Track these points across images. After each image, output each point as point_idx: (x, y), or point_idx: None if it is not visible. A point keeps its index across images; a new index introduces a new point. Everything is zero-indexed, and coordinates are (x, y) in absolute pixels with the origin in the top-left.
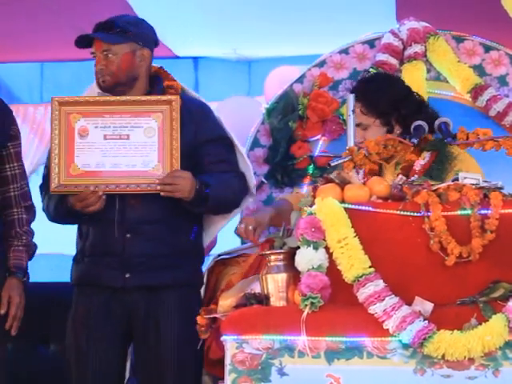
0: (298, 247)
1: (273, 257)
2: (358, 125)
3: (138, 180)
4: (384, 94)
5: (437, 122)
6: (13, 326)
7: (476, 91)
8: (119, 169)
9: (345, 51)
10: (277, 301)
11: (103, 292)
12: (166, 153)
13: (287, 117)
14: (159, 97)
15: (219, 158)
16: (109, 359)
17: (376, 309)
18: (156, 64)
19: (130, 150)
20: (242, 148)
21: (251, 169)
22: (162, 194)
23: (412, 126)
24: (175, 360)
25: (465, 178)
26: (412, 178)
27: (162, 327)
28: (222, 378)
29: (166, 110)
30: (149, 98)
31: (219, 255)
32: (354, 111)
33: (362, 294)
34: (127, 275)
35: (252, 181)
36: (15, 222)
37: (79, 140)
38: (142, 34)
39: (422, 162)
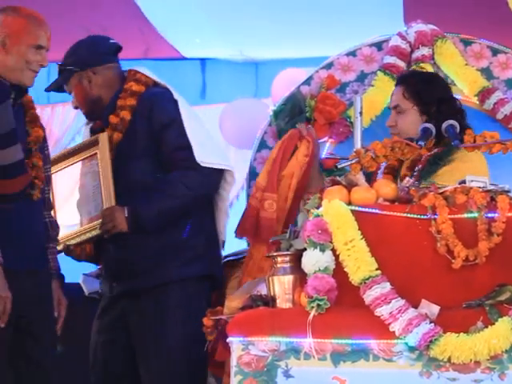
0: (305, 249)
1: (279, 259)
2: (394, 107)
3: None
4: (432, 86)
5: (444, 125)
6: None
7: (483, 94)
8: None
9: (352, 53)
10: (283, 303)
11: (104, 299)
12: (104, 193)
13: (294, 119)
14: (89, 139)
15: (175, 146)
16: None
17: (382, 311)
18: (163, 65)
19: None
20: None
21: (217, 150)
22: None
23: (419, 129)
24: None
25: (472, 181)
26: (415, 169)
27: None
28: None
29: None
30: (80, 144)
31: (226, 257)
32: (361, 113)
33: (369, 297)
34: (114, 284)
35: (218, 160)
36: (48, 224)
37: None
38: (76, 60)
39: (428, 153)
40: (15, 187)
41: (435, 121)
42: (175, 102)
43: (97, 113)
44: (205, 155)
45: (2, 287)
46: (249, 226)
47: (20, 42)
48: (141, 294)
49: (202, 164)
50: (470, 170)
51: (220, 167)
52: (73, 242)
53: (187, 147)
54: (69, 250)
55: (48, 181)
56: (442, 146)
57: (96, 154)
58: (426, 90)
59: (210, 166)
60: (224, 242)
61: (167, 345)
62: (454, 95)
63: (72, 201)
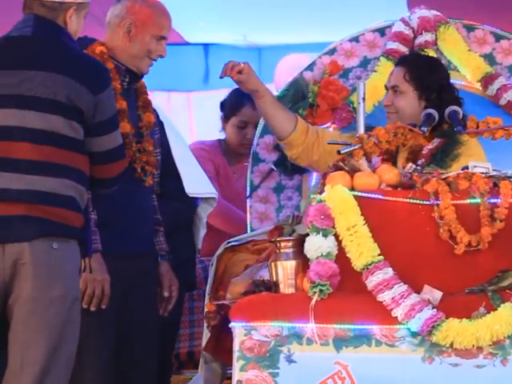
0: (308, 234)
1: (282, 244)
2: (392, 87)
3: None
4: (435, 72)
5: (447, 111)
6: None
7: (486, 80)
8: None
9: (355, 39)
10: (285, 288)
11: None
12: None
13: (297, 104)
14: None
15: (163, 173)
16: None
17: (385, 297)
18: (166, 50)
19: None
20: None
21: None
22: None
23: (422, 114)
24: None
25: (475, 166)
26: (418, 163)
27: None
28: (231, 365)
29: None
30: None
31: (228, 242)
32: (364, 99)
33: (371, 282)
34: None
35: (204, 189)
36: (156, 207)
37: None
38: None
39: (430, 146)
40: (113, 171)
41: (434, 107)
42: (161, 124)
43: None
44: (192, 186)
45: (99, 270)
46: None
47: (145, 31)
48: None
49: (190, 195)
50: (475, 152)
51: (206, 196)
52: None
53: (176, 176)
54: None
55: (157, 165)
56: (441, 134)
57: None
58: (428, 76)
59: (197, 195)
60: (199, 250)
61: None
62: (457, 81)
63: None
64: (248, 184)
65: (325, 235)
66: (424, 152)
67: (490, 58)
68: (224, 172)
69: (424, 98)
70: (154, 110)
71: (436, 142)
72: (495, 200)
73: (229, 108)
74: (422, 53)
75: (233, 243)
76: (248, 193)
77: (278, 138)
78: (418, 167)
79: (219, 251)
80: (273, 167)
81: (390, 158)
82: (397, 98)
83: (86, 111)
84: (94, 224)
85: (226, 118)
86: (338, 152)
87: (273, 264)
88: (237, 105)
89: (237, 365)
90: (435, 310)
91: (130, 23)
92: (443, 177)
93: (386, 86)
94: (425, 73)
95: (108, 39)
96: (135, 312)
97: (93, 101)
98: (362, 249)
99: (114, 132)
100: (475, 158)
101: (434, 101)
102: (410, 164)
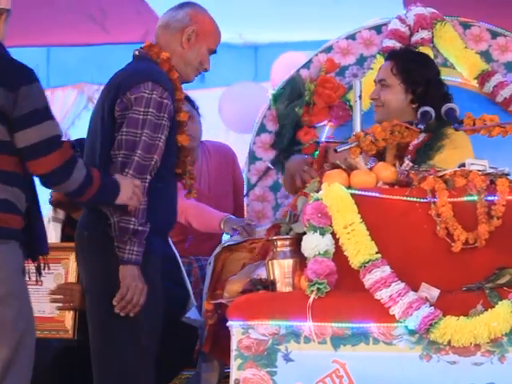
0: (305, 233)
1: (279, 242)
2: (379, 80)
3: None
4: (423, 66)
5: (443, 108)
6: None
7: (483, 77)
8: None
9: (351, 37)
10: (283, 286)
11: None
12: None
13: (294, 102)
14: (66, 244)
15: None
16: None
17: (382, 295)
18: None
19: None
20: None
21: None
22: None
23: (419, 112)
24: None
25: (471, 164)
26: (405, 159)
27: None
28: (229, 364)
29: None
30: (57, 244)
31: (226, 242)
32: (360, 97)
33: (369, 280)
34: None
35: None
36: None
37: None
38: None
39: (415, 142)
40: (46, 167)
41: (421, 101)
42: None
43: None
44: None
45: (140, 279)
46: None
47: (203, 41)
48: None
49: None
50: (464, 155)
51: None
52: None
53: None
54: None
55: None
56: (426, 129)
57: (69, 258)
58: (416, 70)
59: None
60: None
61: None
62: (454, 78)
63: None
64: (246, 182)
65: (322, 233)
66: (410, 148)
67: (486, 55)
68: None
69: (410, 92)
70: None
71: (421, 137)
72: (492, 197)
73: None
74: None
75: (230, 243)
76: (245, 191)
77: None
78: (406, 164)
79: (217, 250)
80: (270, 166)
81: (378, 155)
82: (383, 91)
83: (6, 110)
84: (143, 236)
85: None
86: (335, 150)
87: (270, 262)
88: None
89: (234, 363)
90: (433, 307)
91: (192, 31)
92: (440, 174)
93: (374, 81)
94: (412, 66)
95: (163, 42)
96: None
97: (12, 97)
98: (360, 247)
99: (38, 125)
100: (460, 151)
101: (420, 95)
102: (406, 162)
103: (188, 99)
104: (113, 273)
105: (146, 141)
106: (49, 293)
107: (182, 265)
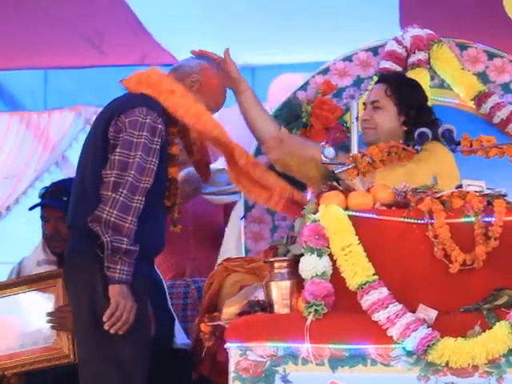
0: (302, 254)
1: (276, 264)
2: (372, 102)
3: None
4: (415, 91)
5: (440, 130)
6: None
7: (480, 98)
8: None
9: (348, 58)
10: (280, 308)
11: None
12: None
13: (291, 124)
14: (50, 271)
15: None
16: None
17: (380, 316)
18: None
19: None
20: None
21: None
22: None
23: (416, 133)
24: None
25: (468, 185)
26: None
27: None
28: None
29: (59, 282)
30: (40, 273)
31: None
32: (357, 118)
33: (366, 302)
34: None
35: None
36: None
37: None
38: None
39: None
40: None
41: (412, 125)
42: None
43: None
44: None
45: (130, 297)
46: None
47: (204, 95)
48: None
49: None
50: (440, 165)
51: None
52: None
53: None
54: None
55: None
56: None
57: (55, 285)
58: (409, 93)
59: None
60: None
61: None
62: (450, 99)
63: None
64: (243, 203)
65: (319, 255)
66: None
67: (483, 77)
68: None
69: (403, 114)
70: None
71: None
72: (489, 218)
73: None
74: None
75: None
76: (243, 213)
77: (261, 140)
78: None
79: (213, 271)
80: None
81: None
82: (376, 112)
83: None
84: (133, 256)
85: None
86: (333, 172)
87: (267, 284)
88: None
89: None
90: (430, 329)
91: (197, 80)
92: (437, 195)
93: (364, 103)
94: (406, 90)
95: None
96: None
97: None
98: (357, 268)
99: None
100: (434, 156)
101: (412, 118)
102: (404, 183)
103: None
104: (99, 292)
105: (140, 163)
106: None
107: (166, 290)
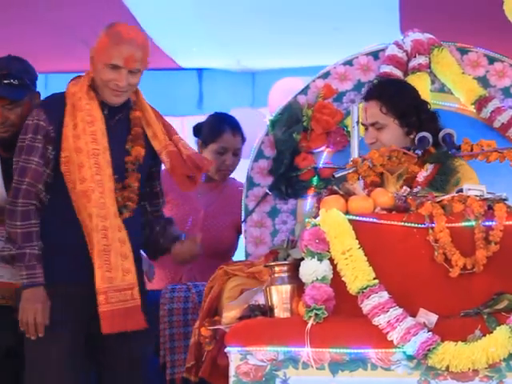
0: (303, 258)
1: (277, 268)
2: (372, 124)
3: None
4: (407, 96)
5: (441, 134)
6: None
7: (480, 103)
8: None
9: (349, 63)
10: (281, 312)
11: None
12: None
13: (291, 128)
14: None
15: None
16: None
17: (380, 320)
18: (160, 75)
19: None
20: None
21: None
22: None
23: (416, 138)
24: None
25: (469, 189)
26: (415, 190)
27: None
28: None
29: None
30: None
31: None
32: (358, 122)
33: (367, 306)
34: None
35: None
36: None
37: None
38: (33, 80)
39: (424, 173)
40: None
41: (416, 129)
42: None
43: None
44: None
45: (34, 299)
46: None
47: (98, 60)
48: None
49: None
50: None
51: None
52: None
53: None
54: None
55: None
56: (433, 160)
57: None
58: (403, 101)
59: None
60: None
61: None
62: (451, 104)
63: None
64: (243, 208)
65: (320, 259)
66: (419, 179)
67: (483, 81)
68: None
69: (405, 125)
70: (144, 145)
71: (430, 168)
72: (490, 223)
73: (208, 134)
74: (382, 79)
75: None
76: (243, 217)
77: None
78: (403, 190)
79: (213, 275)
80: (267, 191)
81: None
82: (380, 133)
83: None
84: (35, 258)
85: (204, 144)
86: (333, 176)
87: (268, 288)
88: (217, 131)
89: None
90: (431, 333)
91: (91, 54)
92: (438, 200)
93: (363, 124)
94: (398, 99)
95: None
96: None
97: None
98: (357, 272)
99: None
100: (473, 182)
101: (414, 123)
102: (404, 187)
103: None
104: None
105: (22, 165)
106: None
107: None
